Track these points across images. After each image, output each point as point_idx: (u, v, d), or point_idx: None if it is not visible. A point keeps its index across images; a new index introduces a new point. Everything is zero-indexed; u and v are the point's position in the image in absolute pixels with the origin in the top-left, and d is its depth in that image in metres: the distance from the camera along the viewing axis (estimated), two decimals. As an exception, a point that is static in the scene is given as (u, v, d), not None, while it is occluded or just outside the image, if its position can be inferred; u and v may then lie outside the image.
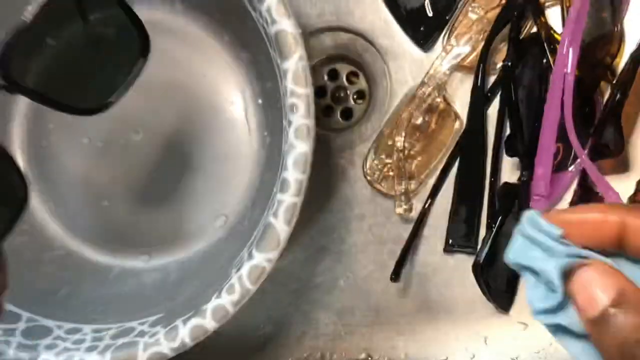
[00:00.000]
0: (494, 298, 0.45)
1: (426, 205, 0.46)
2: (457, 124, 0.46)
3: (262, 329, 0.48)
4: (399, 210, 0.45)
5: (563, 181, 0.44)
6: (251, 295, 0.36)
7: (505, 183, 0.45)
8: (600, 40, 0.43)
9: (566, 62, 0.40)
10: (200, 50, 0.47)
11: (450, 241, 0.46)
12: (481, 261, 0.43)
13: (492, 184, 0.45)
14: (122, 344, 0.38)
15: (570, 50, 0.40)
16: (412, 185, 0.46)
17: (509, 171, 0.46)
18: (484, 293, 0.45)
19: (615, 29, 0.43)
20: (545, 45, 0.43)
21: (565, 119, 0.40)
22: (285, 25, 0.36)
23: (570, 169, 0.44)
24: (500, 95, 0.45)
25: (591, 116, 0.43)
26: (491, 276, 0.44)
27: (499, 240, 0.43)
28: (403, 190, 0.45)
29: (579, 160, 0.43)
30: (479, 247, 0.45)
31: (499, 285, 0.45)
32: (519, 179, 0.44)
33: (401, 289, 0.47)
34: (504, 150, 0.45)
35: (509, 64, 0.44)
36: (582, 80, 0.41)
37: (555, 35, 0.43)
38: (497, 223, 0.43)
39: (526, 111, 0.44)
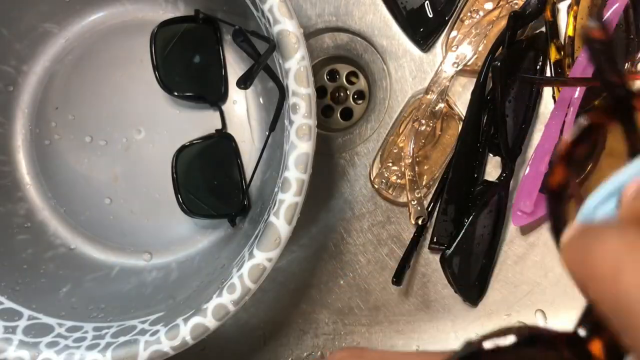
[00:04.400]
0: (461, 291, 0.45)
1: (429, 209, 0.45)
2: (461, 128, 0.45)
3: (262, 329, 0.48)
4: (414, 220, 0.45)
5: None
6: (252, 294, 0.37)
7: (485, 181, 0.45)
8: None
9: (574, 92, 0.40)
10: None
11: (435, 239, 0.45)
12: (447, 255, 0.43)
13: (474, 180, 0.45)
14: (122, 342, 0.38)
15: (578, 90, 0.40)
16: (418, 192, 0.45)
17: (496, 168, 0.45)
18: (451, 286, 0.45)
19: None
20: (552, 70, 0.43)
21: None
22: (287, 25, 0.36)
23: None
24: (489, 93, 0.45)
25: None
26: (460, 269, 0.44)
27: (470, 235, 0.43)
28: (416, 201, 0.44)
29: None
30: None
31: (468, 279, 0.45)
32: (499, 178, 0.44)
33: (401, 288, 0.47)
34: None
35: (498, 64, 0.43)
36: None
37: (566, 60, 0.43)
38: (470, 219, 0.43)
39: (514, 112, 0.44)
